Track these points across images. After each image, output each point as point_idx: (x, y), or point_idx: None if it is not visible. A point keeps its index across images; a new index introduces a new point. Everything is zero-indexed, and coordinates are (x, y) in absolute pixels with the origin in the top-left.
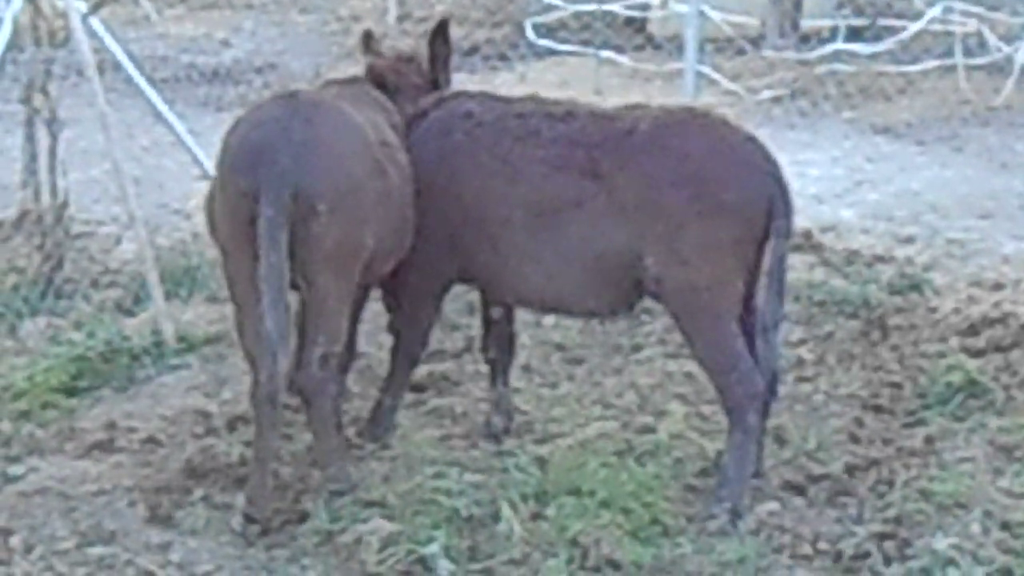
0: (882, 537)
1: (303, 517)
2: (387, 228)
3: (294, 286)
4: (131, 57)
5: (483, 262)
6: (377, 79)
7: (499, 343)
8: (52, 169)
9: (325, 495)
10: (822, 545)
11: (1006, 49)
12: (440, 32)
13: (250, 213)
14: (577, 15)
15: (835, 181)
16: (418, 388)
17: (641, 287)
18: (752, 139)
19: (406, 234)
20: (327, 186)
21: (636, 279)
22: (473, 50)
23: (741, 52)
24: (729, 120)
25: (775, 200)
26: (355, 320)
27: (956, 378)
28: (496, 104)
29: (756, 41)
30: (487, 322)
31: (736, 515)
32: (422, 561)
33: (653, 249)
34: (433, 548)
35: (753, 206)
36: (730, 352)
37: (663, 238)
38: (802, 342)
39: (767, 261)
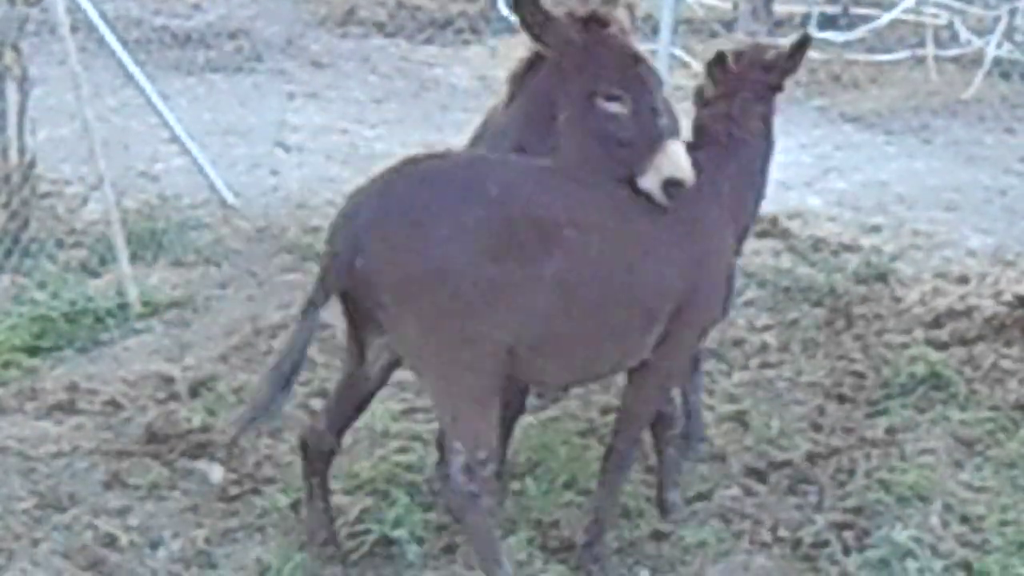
0: (841, 526)
1: (264, 488)
2: None
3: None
4: (103, 17)
5: None
6: None
7: None
8: (21, 127)
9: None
10: (782, 532)
11: (977, 42)
12: None
13: None
14: None
15: (803, 168)
16: None
17: None
18: None
19: None
20: None
21: None
22: (446, 23)
23: (714, 35)
24: None
25: None
26: None
27: (919, 370)
28: None
29: (729, 24)
30: None
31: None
32: (387, 540)
33: None
34: (401, 532)
35: None
36: None
37: None
38: (767, 328)
39: None
